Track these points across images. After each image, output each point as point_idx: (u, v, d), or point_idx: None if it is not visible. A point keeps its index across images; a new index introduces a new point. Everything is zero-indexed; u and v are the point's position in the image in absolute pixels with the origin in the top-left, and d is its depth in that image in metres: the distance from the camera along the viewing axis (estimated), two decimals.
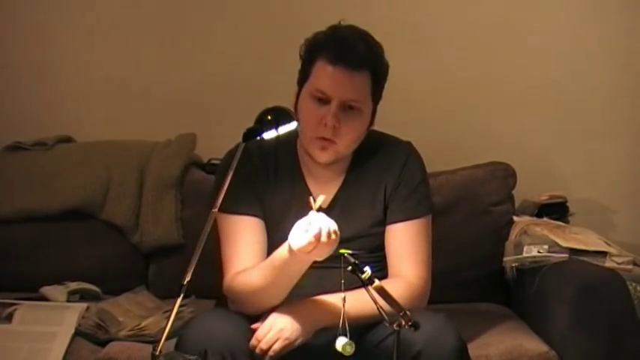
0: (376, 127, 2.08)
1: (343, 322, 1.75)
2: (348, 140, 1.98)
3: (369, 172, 2.07)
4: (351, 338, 1.74)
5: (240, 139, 1.83)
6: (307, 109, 1.97)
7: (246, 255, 1.98)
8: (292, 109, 1.94)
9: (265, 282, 1.87)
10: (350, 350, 1.73)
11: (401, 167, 2.07)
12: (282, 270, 1.84)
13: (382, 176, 2.07)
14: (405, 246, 1.99)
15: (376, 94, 2.01)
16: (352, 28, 2.00)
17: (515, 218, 2.77)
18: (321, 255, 1.75)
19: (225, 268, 2.00)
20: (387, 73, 2.03)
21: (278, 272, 1.85)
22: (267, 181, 2.04)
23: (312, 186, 2.05)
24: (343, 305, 1.75)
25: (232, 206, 2.00)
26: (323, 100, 1.95)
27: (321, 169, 2.04)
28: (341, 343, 1.73)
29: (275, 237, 1.95)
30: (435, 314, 1.90)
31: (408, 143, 2.13)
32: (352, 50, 1.92)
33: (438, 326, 1.84)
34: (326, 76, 1.94)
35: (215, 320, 1.88)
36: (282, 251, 1.83)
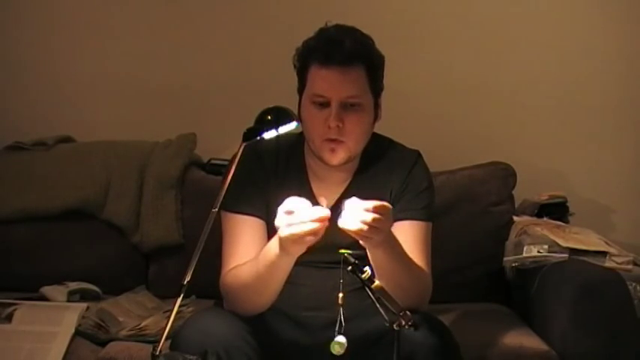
0: (378, 128, 2.08)
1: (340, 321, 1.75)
2: (355, 137, 1.98)
3: (375, 175, 2.07)
4: (350, 338, 1.74)
5: (240, 139, 1.83)
6: (310, 116, 1.98)
7: (245, 254, 1.97)
8: (298, 117, 1.94)
9: (254, 276, 1.87)
10: (339, 350, 1.72)
11: (407, 172, 2.08)
12: (271, 263, 1.83)
13: (388, 180, 2.07)
14: (406, 243, 1.98)
15: (375, 86, 2.01)
16: (338, 27, 1.99)
17: (515, 218, 2.77)
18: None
19: (222, 266, 2.01)
20: (383, 64, 2.02)
21: (267, 265, 1.84)
22: (276, 185, 2.04)
23: (317, 189, 2.05)
24: (341, 305, 1.74)
25: (238, 205, 2.01)
26: (323, 104, 1.95)
27: (328, 173, 2.04)
28: (333, 341, 1.72)
29: None
30: (429, 315, 1.90)
31: (417, 151, 2.13)
32: (340, 47, 1.92)
33: (432, 327, 1.84)
34: (320, 79, 1.95)
35: (210, 319, 1.88)
36: (272, 244, 1.83)
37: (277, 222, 1.75)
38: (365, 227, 1.70)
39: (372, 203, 1.72)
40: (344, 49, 1.92)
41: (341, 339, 1.73)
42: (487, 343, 2.27)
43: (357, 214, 1.71)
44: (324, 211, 1.72)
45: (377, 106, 2.03)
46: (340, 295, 1.72)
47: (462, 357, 1.90)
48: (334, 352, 1.73)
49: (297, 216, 1.72)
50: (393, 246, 1.84)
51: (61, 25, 3.07)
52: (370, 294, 1.68)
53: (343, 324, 1.72)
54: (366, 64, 1.96)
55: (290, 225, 1.72)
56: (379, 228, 1.73)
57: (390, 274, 1.77)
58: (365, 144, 2.03)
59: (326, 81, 1.94)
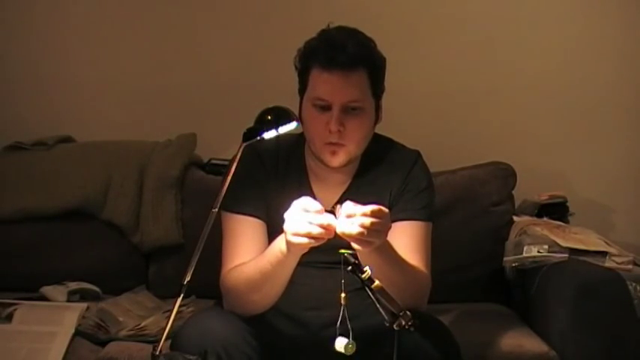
0: (378, 128, 2.08)
1: (344, 321, 1.75)
2: (356, 140, 1.98)
3: (375, 176, 2.07)
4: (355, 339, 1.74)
5: (240, 139, 1.83)
6: (311, 118, 1.98)
7: (245, 254, 1.97)
8: (298, 118, 1.93)
9: (257, 274, 1.88)
10: (351, 350, 1.72)
11: (407, 172, 2.07)
12: (276, 260, 1.84)
13: (388, 181, 2.07)
14: (406, 244, 1.98)
15: (376, 89, 2.00)
16: (340, 29, 1.98)
17: (515, 218, 2.77)
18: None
19: (222, 266, 2.01)
20: (384, 66, 2.02)
21: (272, 262, 1.85)
22: (276, 185, 2.04)
23: (317, 190, 2.05)
24: (345, 305, 1.74)
25: (238, 206, 2.01)
26: (324, 107, 1.95)
27: (328, 174, 2.04)
28: (342, 343, 1.72)
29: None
30: (429, 315, 1.90)
31: (416, 151, 2.13)
32: (343, 51, 1.91)
33: (432, 327, 1.85)
34: (322, 82, 1.94)
35: (210, 319, 1.88)
36: (278, 241, 1.83)
37: (286, 215, 1.75)
38: (365, 232, 1.70)
39: (369, 208, 1.71)
40: (346, 53, 1.91)
41: (342, 341, 1.72)
42: (487, 343, 2.27)
43: (355, 219, 1.71)
44: (331, 220, 1.72)
45: (378, 108, 2.03)
46: (343, 295, 1.72)
47: (462, 357, 1.90)
48: (347, 353, 1.72)
49: (306, 216, 1.72)
50: (386, 249, 1.84)
51: (62, 26, 3.07)
52: (370, 294, 1.68)
53: (349, 325, 1.72)
54: (368, 67, 1.95)
55: (296, 222, 1.72)
56: (379, 231, 1.73)
57: (384, 276, 1.77)
58: (366, 146, 2.03)
59: (328, 85, 1.93)
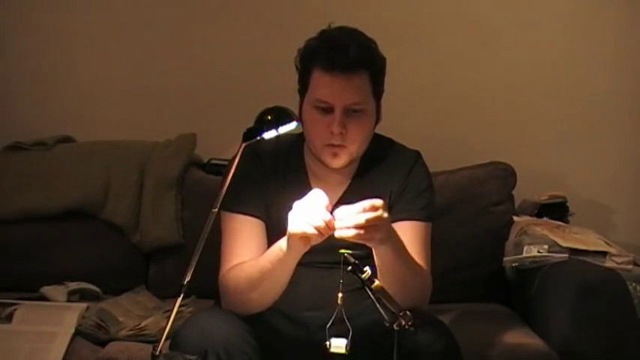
0: (378, 128, 2.08)
1: (339, 321, 1.75)
2: (358, 141, 1.98)
3: (375, 177, 2.07)
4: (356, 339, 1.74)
5: (240, 139, 1.83)
6: (312, 120, 1.97)
7: (244, 254, 1.98)
8: (298, 118, 1.93)
9: (257, 272, 1.88)
10: (340, 350, 1.72)
11: (407, 173, 2.07)
12: (277, 258, 1.84)
13: (388, 181, 2.07)
14: (406, 244, 1.98)
15: (377, 91, 2.00)
16: (342, 30, 1.98)
17: (515, 218, 2.77)
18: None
19: (221, 265, 2.01)
20: (385, 67, 2.01)
21: (272, 261, 1.85)
22: (276, 185, 2.04)
23: None
24: (341, 305, 1.74)
25: (237, 206, 2.01)
26: (326, 109, 1.95)
27: (328, 174, 2.04)
28: (335, 342, 1.72)
29: (276, 240, 1.95)
30: (429, 315, 1.91)
31: (416, 151, 2.13)
32: (345, 54, 1.91)
33: (432, 327, 1.85)
34: (324, 85, 1.94)
35: (210, 319, 1.88)
36: (280, 241, 1.84)
37: (292, 212, 1.75)
38: (362, 232, 1.71)
39: (362, 205, 1.72)
40: (348, 56, 1.91)
41: (341, 342, 1.72)
42: (487, 343, 2.27)
43: (349, 220, 1.71)
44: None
45: (378, 108, 2.03)
46: (340, 295, 1.72)
47: (462, 357, 1.90)
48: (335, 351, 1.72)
49: (311, 210, 1.73)
50: (396, 241, 1.85)
51: (62, 26, 3.07)
52: (370, 294, 1.68)
53: (350, 326, 1.72)
54: (369, 70, 1.95)
55: (301, 216, 1.73)
56: (377, 225, 1.73)
57: (395, 273, 1.77)
58: (366, 146, 2.03)
59: (329, 87, 1.93)
